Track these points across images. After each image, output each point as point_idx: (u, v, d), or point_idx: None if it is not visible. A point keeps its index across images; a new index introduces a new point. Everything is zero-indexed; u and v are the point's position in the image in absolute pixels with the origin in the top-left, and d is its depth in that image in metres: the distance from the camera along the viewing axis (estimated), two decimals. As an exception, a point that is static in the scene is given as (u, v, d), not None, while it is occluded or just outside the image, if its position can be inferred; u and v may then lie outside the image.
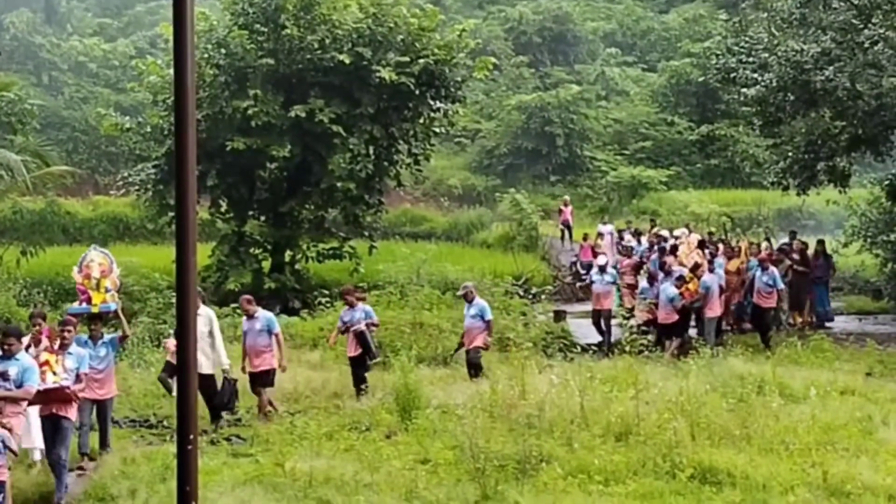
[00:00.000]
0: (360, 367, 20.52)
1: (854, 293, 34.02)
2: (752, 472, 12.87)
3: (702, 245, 29.09)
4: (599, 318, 27.20)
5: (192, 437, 5.95)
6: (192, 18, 6.04)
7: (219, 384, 18.00)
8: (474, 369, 20.64)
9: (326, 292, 29.43)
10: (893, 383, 19.64)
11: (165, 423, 18.03)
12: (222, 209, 34.16)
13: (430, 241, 43.21)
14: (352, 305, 21.04)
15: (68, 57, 62.04)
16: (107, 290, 16.46)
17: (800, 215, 45.56)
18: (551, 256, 40.49)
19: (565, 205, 43.81)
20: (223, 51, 31.82)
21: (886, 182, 30.85)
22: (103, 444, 16.00)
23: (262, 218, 34.15)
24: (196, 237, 6.02)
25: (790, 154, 30.41)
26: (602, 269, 27.39)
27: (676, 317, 24.59)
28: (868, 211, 34.02)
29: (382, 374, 20.73)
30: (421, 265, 32.50)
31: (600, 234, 36.07)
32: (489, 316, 21.33)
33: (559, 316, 29.39)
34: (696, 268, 25.47)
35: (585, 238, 36.32)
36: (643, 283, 26.50)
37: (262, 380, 18.72)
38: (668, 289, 24.79)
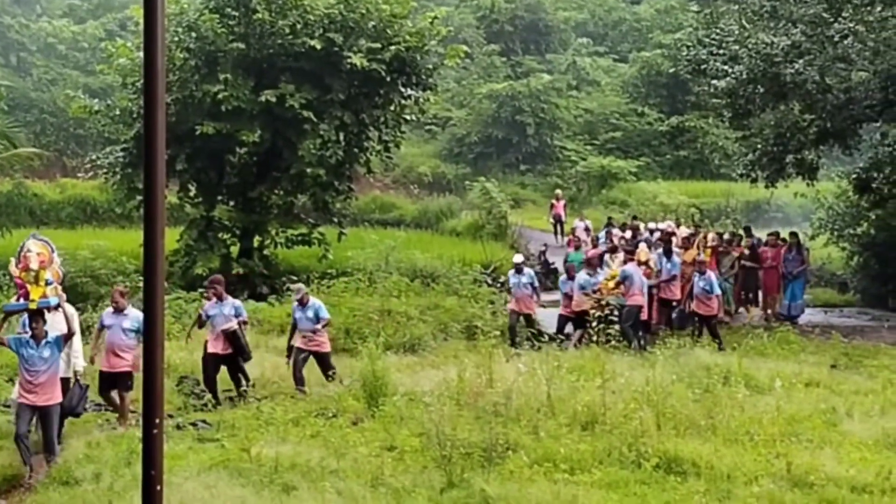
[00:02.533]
0: (231, 366, 19.00)
1: (820, 286, 34.21)
2: (717, 462, 12.94)
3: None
4: (517, 320, 25.52)
5: (157, 421, 5.93)
6: (162, 1, 6.01)
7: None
8: (325, 372, 19.70)
9: (295, 278, 29.37)
10: (858, 375, 19.81)
11: (131, 406, 17.94)
12: (191, 194, 34.00)
13: (399, 229, 43.24)
14: (219, 298, 19.02)
15: (37, 38, 61.58)
16: (47, 283, 14.89)
17: (768, 207, 45.90)
18: (520, 245, 40.54)
19: (557, 199, 43.48)
20: (194, 34, 31.61)
21: (854, 176, 31.04)
22: (49, 450, 14.61)
23: (231, 203, 34.03)
24: (164, 221, 5.99)
25: (759, 146, 30.60)
26: (518, 270, 25.72)
27: (587, 305, 23.91)
28: (835, 204, 34.28)
29: (350, 360, 20.74)
30: (390, 252, 32.50)
31: (574, 230, 35.98)
32: (326, 315, 19.90)
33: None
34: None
35: (573, 231, 36.24)
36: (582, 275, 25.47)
37: (120, 383, 16.87)
38: (581, 276, 24.60)
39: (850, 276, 33.70)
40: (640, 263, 24.95)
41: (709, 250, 27.08)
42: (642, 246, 26.86)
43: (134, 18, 38.43)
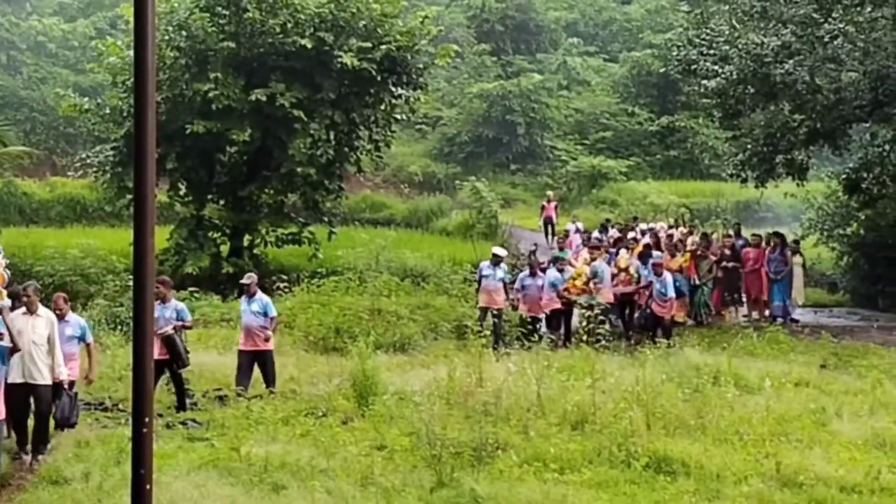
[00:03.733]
0: (168, 373, 17.88)
1: (810, 286, 34.23)
2: (707, 461, 12.95)
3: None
4: (486, 315, 24.63)
5: (147, 420, 5.92)
6: (152, 0, 6.00)
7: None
8: (264, 376, 18.83)
9: (285, 277, 29.34)
10: (847, 375, 19.83)
11: (120, 405, 17.90)
12: (181, 192, 34.00)
13: (389, 228, 43.29)
14: (163, 300, 17.78)
15: (27, 37, 61.49)
16: None
17: (758, 207, 45.94)
18: (510, 245, 40.56)
19: (548, 200, 43.26)
20: (184, 33, 31.61)
21: (843, 176, 31.16)
22: None
23: (222, 202, 34.03)
24: (154, 220, 5.98)
25: (749, 146, 30.63)
26: (496, 263, 25.05)
27: (558, 304, 24.10)
28: (825, 204, 34.39)
29: (340, 360, 20.72)
30: (380, 251, 32.49)
31: (567, 232, 35.84)
32: (273, 312, 19.01)
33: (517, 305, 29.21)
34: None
35: (566, 234, 36.05)
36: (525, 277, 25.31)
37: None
38: (552, 273, 24.51)
39: (839, 276, 33.79)
40: (619, 270, 24.95)
41: (688, 254, 27.00)
42: (623, 252, 26.77)
43: (124, 17, 38.35)
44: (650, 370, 16.75)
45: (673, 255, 26.98)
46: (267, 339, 18.74)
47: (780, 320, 26.45)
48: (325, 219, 34.78)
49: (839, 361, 21.57)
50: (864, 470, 12.69)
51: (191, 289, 28.77)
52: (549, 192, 45.77)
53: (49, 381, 14.43)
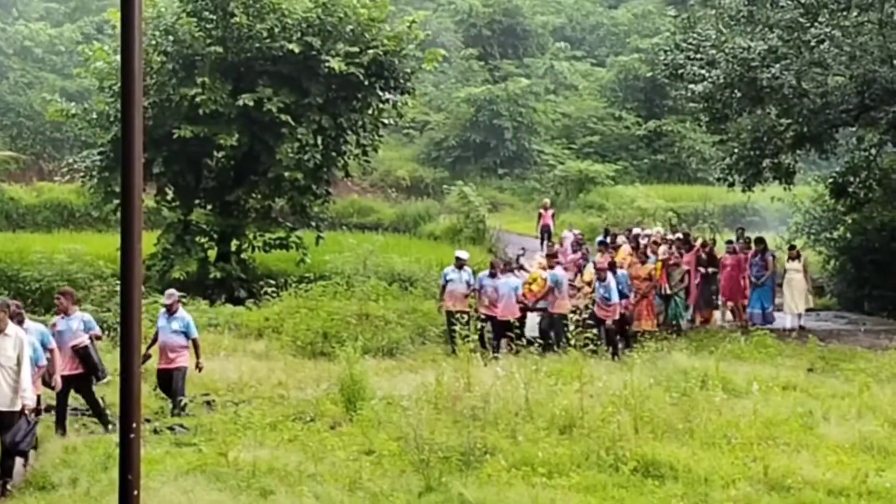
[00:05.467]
0: (82, 388, 16.95)
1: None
2: (695, 465, 12.97)
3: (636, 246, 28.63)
4: (450, 320, 24.08)
5: (134, 425, 5.92)
6: (139, 4, 6.00)
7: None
8: (172, 394, 17.90)
9: (272, 282, 29.34)
10: (834, 379, 19.87)
11: (108, 411, 17.87)
12: (168, 197, 33.90)
13: (377, 233, 43.30)
14: (65, 313, 16.94)
15: (14, 41, 61.25)
16: None
17: (745, 211, 46.02)
18: (498, 249, 40.54)
19: (545, 208, 42.61)
20: (171, 38, 31.54)
21: (830, 180, 31.24)
22: None
23: (209, 207, 33.94)
24: (141, 225, 5.98)
25: (736, 150, 30.68)
26: (460, 266, 25.02)
27: (517, 312, 23.78)
28: (812, 208, 34.48)
29: (328, 364, 20.70)
30: (368, 256, 32.45)
31: (562, 240, 35.49)
32: (195, 333, 18.29)
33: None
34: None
35: (561, 242, 35.79)
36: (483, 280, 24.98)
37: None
38: (511, 280, 24.26)
39: (826, 279, 33.81)
40: (584, 283, 24.80)
41: (659, 263, 26.74)
42: (589, 266, 26.08)
43: (111, 22, 38.33)
44: (638, 374, 16.77)
45: (643, 262, 26.63)
46: (179, 359, 17.95)
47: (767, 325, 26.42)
48: (313, 223, 34.74)
49: (826, 365, 21.61)
50: (852, 473, 12.71)
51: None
52: (546, 201, 45.28)
53: (16, 407, 13.48)
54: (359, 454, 13.90)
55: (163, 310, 18.63)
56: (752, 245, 28.22)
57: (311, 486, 12.41)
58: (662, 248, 27.77)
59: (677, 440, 14.23)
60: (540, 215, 42.42)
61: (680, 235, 31.55)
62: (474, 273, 25.87)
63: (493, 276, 24.83)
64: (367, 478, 12.78)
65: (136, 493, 5.90)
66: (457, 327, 19.91)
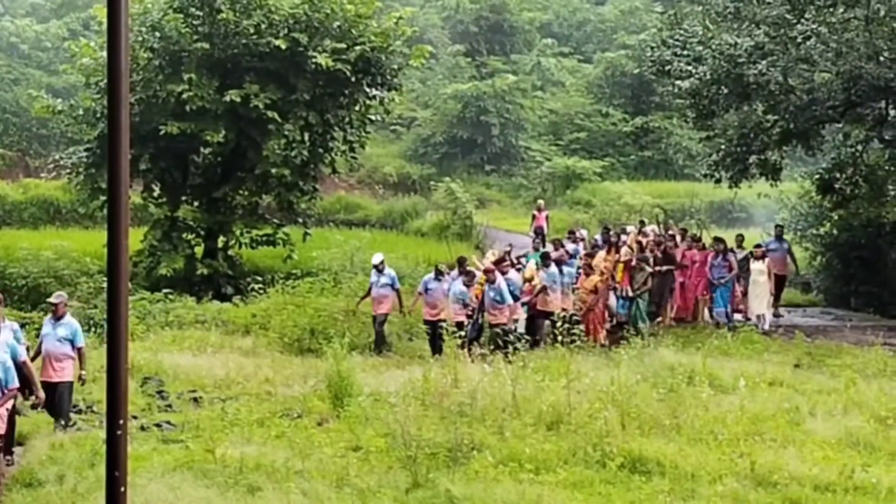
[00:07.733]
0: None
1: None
2: (682, 461, 12.99)
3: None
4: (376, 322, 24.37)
5: (121, 422, 5.91)
6: (126, 1, 5.98)
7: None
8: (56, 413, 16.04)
9: (259, 279, 29.34)
10: (821, 375, 19.89)
11: (95, 408, 17.84)
12: (155, 194, 33.89)
13: (364, 229, 43.32)
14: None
15: (-1, 37, 61.26)
16: None
17: (731, 208, 46.10)
18: (486, 245, 40.53)
19: (539, 210, 41.97)
20: (158, 34, 31.49)
21: (816, 176, 31.25)
22: None
23: (196, 203, 33.88)
24: (128, 222, 5.97)
25: (723, 147, 30.67)
26: (379, 270, 24.71)
27: (464, 317, 22.76)
28: (798, 204, 34.52)
29: (315, 361, 20.69)
30: (355, 252, 32.48)
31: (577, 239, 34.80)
32: (81, 342, 16.46)
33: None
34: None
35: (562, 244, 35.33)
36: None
37: None
38: (457, 286, 23.24)
39: (813, 276, 33.86)
40: (525, 280, 24.15)
41: (621, 265, 26.18)
42: (530, 264, 25.56)
43: (97, 18, 38.15)
44: (625, 370, 16.79)
45: (588, 275, 25.27)
46: (65, 370, 16.15)
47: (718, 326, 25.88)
48: (300, 220, 34.74)
49: (813, 361, 21.63)
50: (838, 469, 12.74)
51: (165, 290, 28.71)
52: (540, 202, 44.65)
53: None
54: (346, 451, 13.89)
55: (48, 315, 16.96)
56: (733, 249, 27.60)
57: (299, 482, 12.40)
58: (624, 250, 27.04)
59: (664, 436, 14.25)
60: (534, 217, 41.94)
61: (673, 232, 31.31)
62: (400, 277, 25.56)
63: (438, 279, 23.96)
64: (355, 474, 12.78)
65: (123, 489, 5.88)
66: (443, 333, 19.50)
